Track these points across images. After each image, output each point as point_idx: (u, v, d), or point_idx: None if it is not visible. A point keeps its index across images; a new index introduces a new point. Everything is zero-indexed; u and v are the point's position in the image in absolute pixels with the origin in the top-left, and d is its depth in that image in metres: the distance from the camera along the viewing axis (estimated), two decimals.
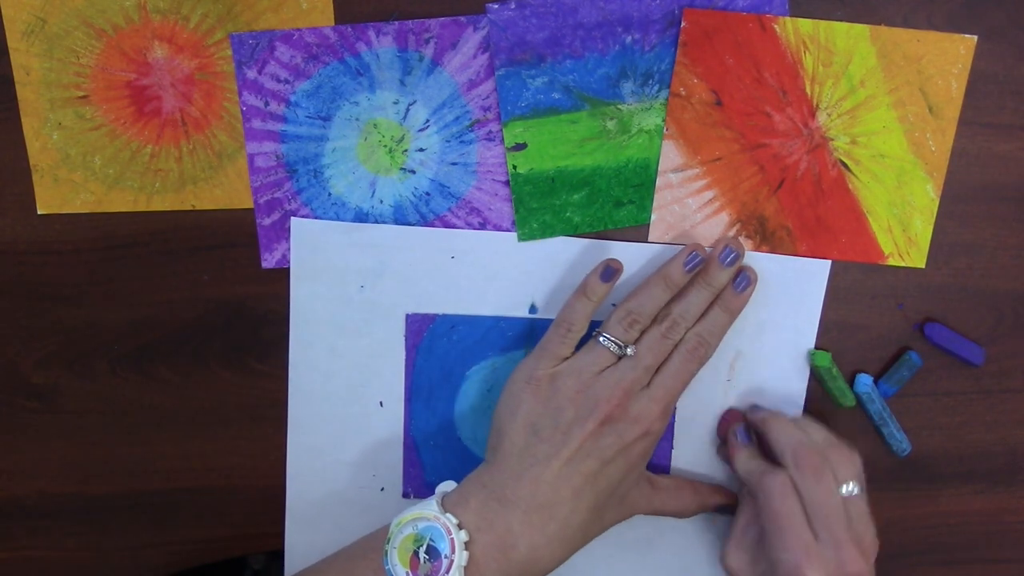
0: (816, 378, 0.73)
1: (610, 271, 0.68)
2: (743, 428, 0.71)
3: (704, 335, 0.68)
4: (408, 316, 0.72)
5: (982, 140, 0.71)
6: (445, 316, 0.72)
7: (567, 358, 0.68)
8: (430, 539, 0.62)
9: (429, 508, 0.64)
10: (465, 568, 0.62)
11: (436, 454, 0.74)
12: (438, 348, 0.73)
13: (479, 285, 0.72)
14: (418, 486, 0.75)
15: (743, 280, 0.69)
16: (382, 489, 0.75)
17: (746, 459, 0.68)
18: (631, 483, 0.68)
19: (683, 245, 0.70)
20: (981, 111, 0.71)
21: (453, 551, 0.62)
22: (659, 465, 0.74)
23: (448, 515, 0.63)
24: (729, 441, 0.71)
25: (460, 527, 0.63)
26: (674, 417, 0.73)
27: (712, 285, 0.69)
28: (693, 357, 0.68)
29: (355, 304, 0.72)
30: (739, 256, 0.69)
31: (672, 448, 0.74)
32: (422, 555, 0.62)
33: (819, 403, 0.74)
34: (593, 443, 0.65)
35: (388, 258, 0.72)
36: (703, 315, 0.69)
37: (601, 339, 0.67)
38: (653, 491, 0.70)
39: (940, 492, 0.76)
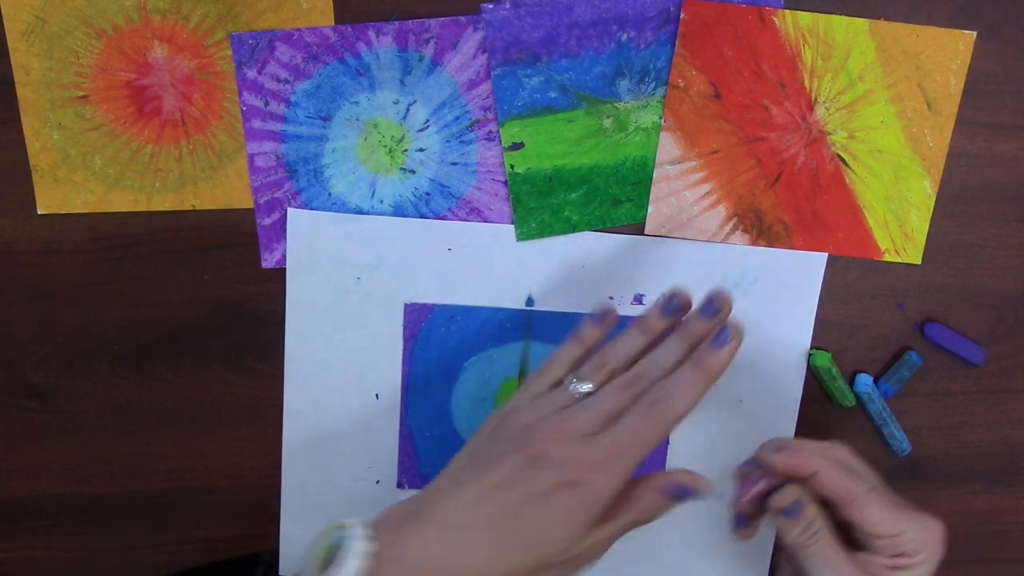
0: (816, 378, 0.73)
1: (602, 315, 0.65)
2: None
3: (666, 390, 0.59)
4: (407, 306, 0.72)
5: (982, 140, 0.71)
6: (444, 306, 0.72)
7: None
8: (339, 546, 0.57)
9: (351, 518, 0.58)
10: None
11: (432, 445, 0.74)
12: (436, 338, 0.73)
13: (475, 277, 0.72)
14: (413, 477, 0.74)
15: (723, 336, 0.59)
16: (377, 481, 0.75)
17: (824, 551, 0.61)
18: (565, 541, 0.59)
19: (680, 238, 0.70)
20: (981, 111, 0.71)
21: (352, 558, 0.56)
22: (655, 462, 0.74)
23: (361, 524, 0.58)
24: (779, 511, 0.62)
25: (372, 537, 0.57)
26: None
27: (688, 337, 0.61)
28: (649, 413, 0.58)
29: (352, 296, 0.72)
30: (723, 308, 0.61)
31: (667, 444, 0.74)
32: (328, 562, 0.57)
33: (819, 403, 0.74)
34: (514, 477, 0.58)
35: (385, 250, 0.72)
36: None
37: (567, 380, 0.62)
38: (604, 547, 0.62)
39: (940, 492, 0.76)
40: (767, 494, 0.63)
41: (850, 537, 0.62)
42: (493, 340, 0.73)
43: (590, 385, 0.61)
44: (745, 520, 0.64)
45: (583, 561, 0.60)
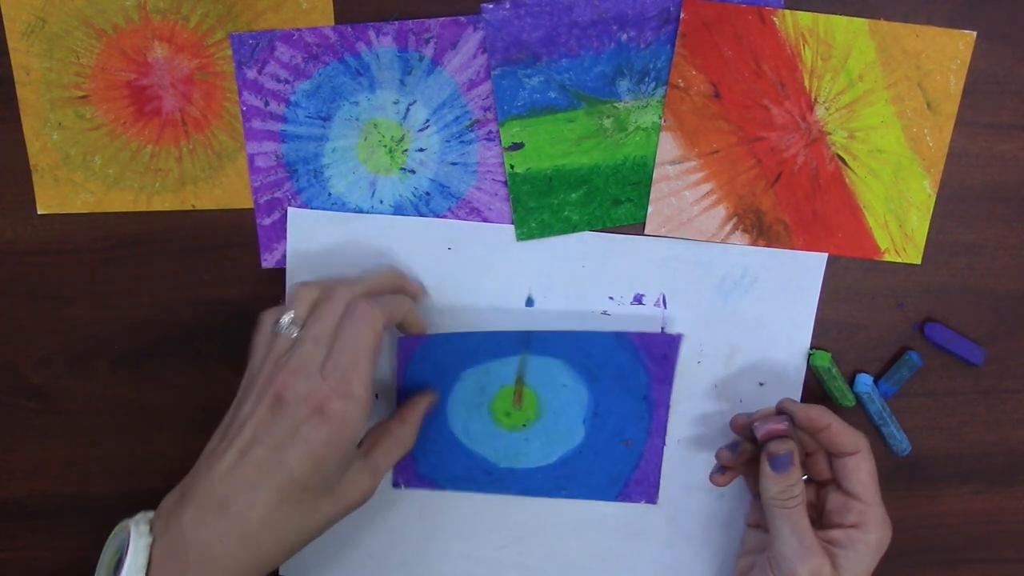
0: (816, 378, 0.73)
1: None
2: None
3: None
4: None
5: (982, 140, 0.71)
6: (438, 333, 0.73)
7: None
8: (124, 548, 0.58)
9: (132, 519, 0.60)
10: (146, 573, 0.57)
11: (428, 445, 0.73)
12: (434, 340, 0.72)
13: (475, 277, 0.72)
14: (409, 477, 0.74)
15: None
16: None
17: (799, 519, 0.64)
18: (333, 472, 0.61)
19: (680, 238, 0.71)
20: (981, 111, 0.71)
21: (134, 556, 0.57)
22: (653, 462, 0.74)
23: (143, 519, 0.59)
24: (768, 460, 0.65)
25: (149, 532, 0.58)
26: (667, 412, 0.73)
27: None
28: (354, 316, 0.62)
29: None
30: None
31: (664, 445, 0.74)
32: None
33: (819, 403, 0.74)
34: (264, 430, 0.60)
35: (385, 249, 0.72)
36: None
37: (274, 328, 0.64)
38: (372, 479, 0.65)
39: (940, 492, 0.76)
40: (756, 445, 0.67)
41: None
42: (490, 356, 0.72)
43: (295, 323, 0.63)
44: (723, 468, 0.70)
45: (354, 496, 0.63)
